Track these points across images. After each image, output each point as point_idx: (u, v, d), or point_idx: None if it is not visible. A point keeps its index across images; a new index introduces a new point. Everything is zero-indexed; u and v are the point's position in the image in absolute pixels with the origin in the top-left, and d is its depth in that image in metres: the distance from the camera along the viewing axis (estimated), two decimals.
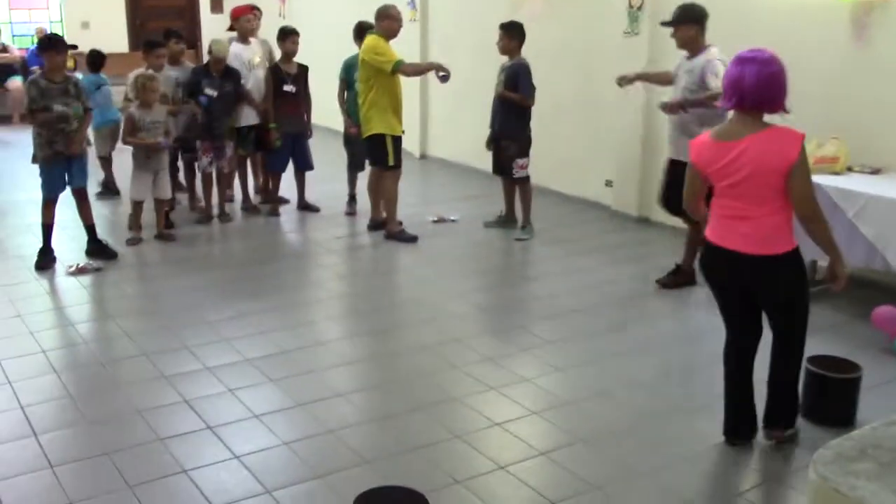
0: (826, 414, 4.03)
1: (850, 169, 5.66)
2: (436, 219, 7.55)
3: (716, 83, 5.26)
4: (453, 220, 7.63)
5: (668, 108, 5.73)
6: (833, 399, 4.07)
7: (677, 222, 7.34)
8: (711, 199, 3.65)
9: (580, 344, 5.02)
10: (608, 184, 8.02)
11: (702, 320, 5.38)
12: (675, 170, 5.42)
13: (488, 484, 3.55)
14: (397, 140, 6.88)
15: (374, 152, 6.95)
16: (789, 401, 3.80)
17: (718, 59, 5.45)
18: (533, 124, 8.84)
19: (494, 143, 7.20)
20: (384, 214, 7.22)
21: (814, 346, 5.05)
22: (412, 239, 6.95)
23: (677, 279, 5.94)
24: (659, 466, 3.69)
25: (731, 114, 3.58)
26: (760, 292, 3.61)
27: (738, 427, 3.83)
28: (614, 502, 3.43)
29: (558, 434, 3.98)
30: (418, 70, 7.33)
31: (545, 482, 3.58)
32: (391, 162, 6.88)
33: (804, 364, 3.91)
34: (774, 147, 3.35)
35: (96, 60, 8.17)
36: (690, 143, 3.67)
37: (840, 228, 5.25)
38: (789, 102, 3.46)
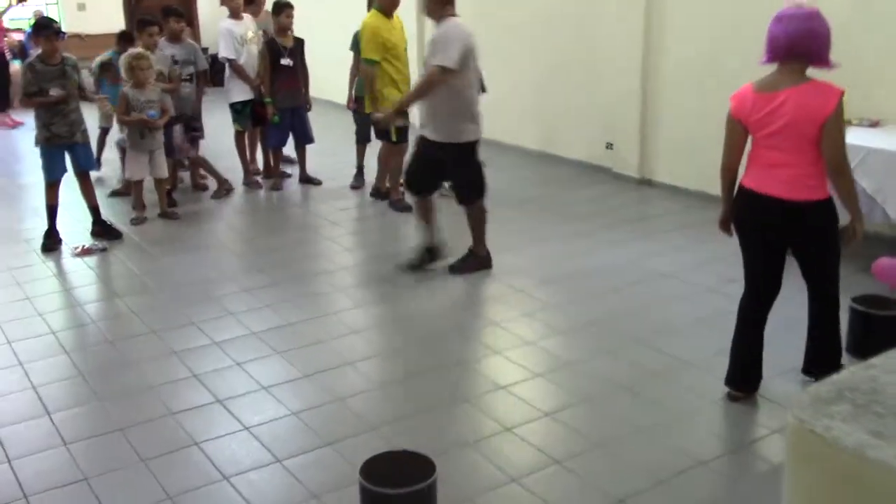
0: (872, 350, 4.11)
1: (848, 122, 5.63)
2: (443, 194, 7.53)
3: (434, 61, 5.17)
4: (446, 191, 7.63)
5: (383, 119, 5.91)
6: (878, 335, 4.14)
7: (679, 183, 7.37)
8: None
9: (581, 306, 5.06)
10: (608, 146, 8.02)
11: (701, 279, 5.41)
12: (424, 148, 5.48)
13: (494, 445, 3.61)
14: None
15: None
16: (831, 346, 3.88)
17: (452, 31, 5.18)
18: (531, 88, 8.85)
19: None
20: (388, 185, 7.26)
21: None
22: (408, 208, 6.96)
23: (467, 265, 5.65)
24: (661, 422, 3.75)
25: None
26: (796, 239, 3.70)
27: (743, 378, 3.89)
28: (617, 459, 3.49)
29: (562, 395, 4.03)
30: (371, 88, 6.76)
31: (550, 442, 3.64)
32: (394, 139, 6.89)
33: (848, 303, 4.08)
34: (812, 100, 3.46)
35: (128, 38, 8.05)
36: (732, 96, 3.71)
37: None
38: (834, 58, 3.53)
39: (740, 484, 3.32)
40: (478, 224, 5.68)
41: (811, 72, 3.57)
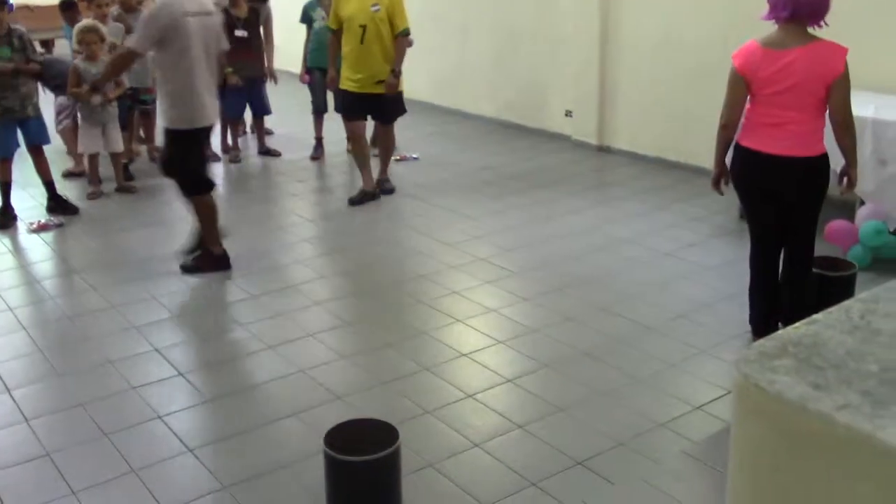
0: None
1: None
2: (398, 157, 7.54)
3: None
4: (415, 158, 7.64)
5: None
6: (832, 296, 4.23)
7: (637, 150, 7.43)
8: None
9: (543, 273, 5.11)
10: (568, 114, 8.05)
11: (660, 244, 5.49)
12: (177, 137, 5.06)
13: (457, 412, 3.65)
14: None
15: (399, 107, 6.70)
16: (807, 298, 4.00)
17: (155, 10, 4.90)
18: (490, 57, 8.84)
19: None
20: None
21: None
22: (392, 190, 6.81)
23: (200, 263, 5.22)
24: (621, 386, 3.82)
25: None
26: (791, 192, 3.80)
27: (768, 321, 4.01)
28: (578, 422, 3.55)
29: (523, 361, 4.08)
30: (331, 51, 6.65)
31: (512, 407, 3.70)
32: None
33: None
34: (823, 59, 3.58)
35: (72, 7, 7.83)
36: (736, 53, 3.77)
37: None
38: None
39: (697, 444, 3.40)
40: (204, 221, 5.20)
41: None
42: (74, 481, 3.22)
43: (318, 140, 7.79)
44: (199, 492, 3.16)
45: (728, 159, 4.04)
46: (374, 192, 6.58)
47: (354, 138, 6.73)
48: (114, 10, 7.21)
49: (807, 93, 3.62)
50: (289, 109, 8.85)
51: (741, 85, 3.76)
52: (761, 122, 3.75)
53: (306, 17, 7.58)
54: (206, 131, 5.16)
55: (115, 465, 3.32)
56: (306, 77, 7.68)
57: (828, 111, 3.67)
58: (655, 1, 7.05)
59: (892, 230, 4.95)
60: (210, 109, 5.07)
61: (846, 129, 3.69)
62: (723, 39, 6.53)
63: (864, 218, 5.04)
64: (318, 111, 7.72)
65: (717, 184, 4.07)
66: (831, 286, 4.26)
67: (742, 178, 3.93)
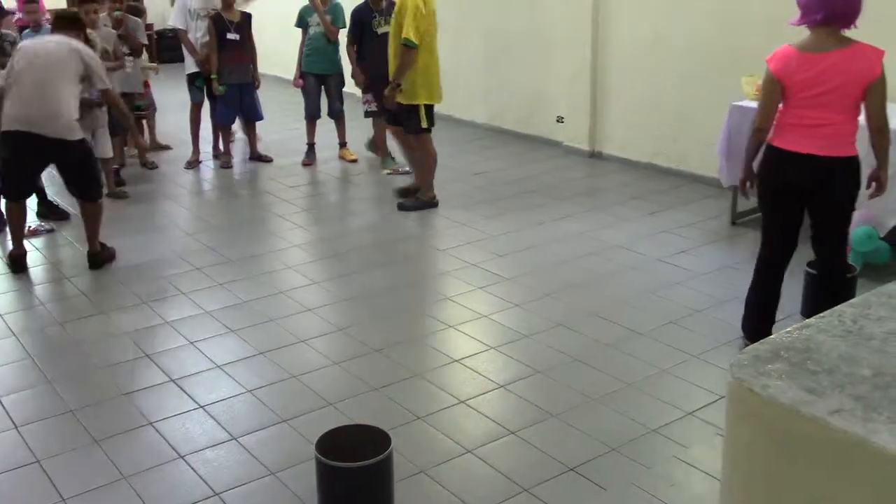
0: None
1: None
2: (390, 172, 7.50)
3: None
4: (408, 172, 7.63)
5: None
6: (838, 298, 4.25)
7: (629, 156, 7.46)
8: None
9: (535, 279, 5.11)
10: (559, 120, 8.06)
11: (651, 250, 5.50)
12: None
13: (449, 418, 3.65)
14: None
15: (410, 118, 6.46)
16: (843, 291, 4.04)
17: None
18: (482, 63, 8.86)
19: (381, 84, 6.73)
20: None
21: None
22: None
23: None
24: (612, 392, 3.82)
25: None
26: (824, 192, 3.83)
27: (760, 329, 4.02)
28: (570, 428, 3.55)
29: (515, 367, 4.08)
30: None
31: (505, 413, 3.69)
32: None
33: (804, 268, 4.33)
34: (861, 62, 3.64)
35: (136, 10, 7.77)
36: (772, 58, 3.81)
37: None
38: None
39: (689, 449, 3.40)
40: (10, 223, 5.47)
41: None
42: (65, 488, 3.20)
43: (310, 146, 7.78)
44: (190, 498, 3.15)
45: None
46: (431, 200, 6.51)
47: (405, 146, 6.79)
48: (116, 13, 7.21)
49: (844, 95, 3.67)
50: (282, 115, 8.84)
51: (777, 89, 3.78)
52: (796, 123, 3.78)
53: (302, 22, 7.57)
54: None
55: (106, 471, 3.30)
56: (299, 81, 7.68)
57: (863, 113, 3.74)
58: (647, 8, 7.08)
59: (881, 236, 4.97)
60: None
61: (881, 131, 3.75)
62: (714, 47, 6.56)
63: (855, 223, 5.06)
64: (312, 116, 7.72)
65: (744, 186, 4.12)
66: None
67: (772, 178, 3.95)
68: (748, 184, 4.10)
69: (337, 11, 7.52)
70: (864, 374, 1.14)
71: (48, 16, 7.13)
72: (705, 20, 6.64)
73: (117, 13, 7.24)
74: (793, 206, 3.95)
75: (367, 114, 7.43)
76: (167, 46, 11.15)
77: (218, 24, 7.36)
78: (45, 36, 5.67)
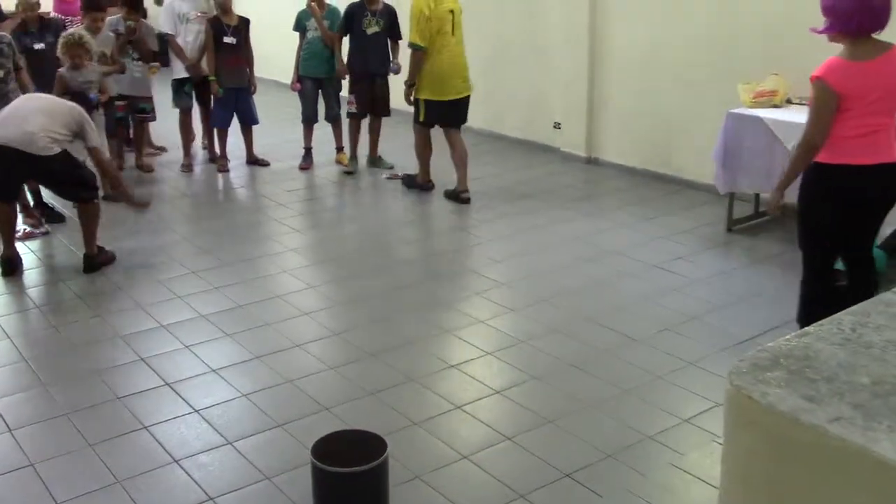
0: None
1: (789, 101, 5.78)
2: (389, 177, 7.50)
3: None
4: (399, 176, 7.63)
5: None
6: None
7: (625, 162, 7.46)
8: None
9: (531, 284, 5.11)
10: (556, 126, 8.07)
11: (647, 256, 5.50)
12: None
13: (445, 423, 3.64)
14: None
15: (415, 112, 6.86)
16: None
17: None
18: (479, 68, 8.88)
19: (372, 81, 7.30)
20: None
21: (760, 274, 5.22)
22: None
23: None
24: (608, 398, 3.82)
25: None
26: (880, 200, 3.88)
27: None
28: (566, 434, 3.55)
29: (512, 372, 4.08)
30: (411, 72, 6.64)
31: (500, 419, 3.69)
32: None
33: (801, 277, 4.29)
34: None
35: (135, 3, 7.52)
36: (823, 73, 3.74)
37: (780, 159, 5.39)
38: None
39: (686, 456, 3.40)
40: (0, 225, 5.38)
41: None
42: (59, 492, 3.19)
43: (307, 150, 7.79)
44: (184, 503, 3.14)
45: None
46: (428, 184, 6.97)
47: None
48: (129, 22, 7.22)
49: (891, 98, 3.73)
50: (279, 119, 8.84)
51: (833, 102, 3.72)
52: (851, 135, 3.74)
53: (300, 26, 7.59)
54: None
55: (101, 475, 3.29)
56: (297, 85, 7.69)
57: None
58: (644, 14, 7.09)
59: (878, 244, 4.98)
60: None
61: None
62: (711, 54, 6.58)
63: None
64: (308, 120, 7.72)
65: (779, 205, 4.04)
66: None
67: (826, 198, 3.86)
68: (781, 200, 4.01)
69: (334, 17, 7.54)
70: (864, 383, 1.14)
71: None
72: (702, 27, 6.65)
73: (130, 22, 7.23)
74: (848, 217, 3.90)
75: (349, 114, 7.54)
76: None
77: (216, 27, 7.37)
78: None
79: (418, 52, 6.43)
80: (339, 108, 7.74)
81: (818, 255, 4.04)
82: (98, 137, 5.67)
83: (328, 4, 7.54)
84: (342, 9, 7.51)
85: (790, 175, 3.94)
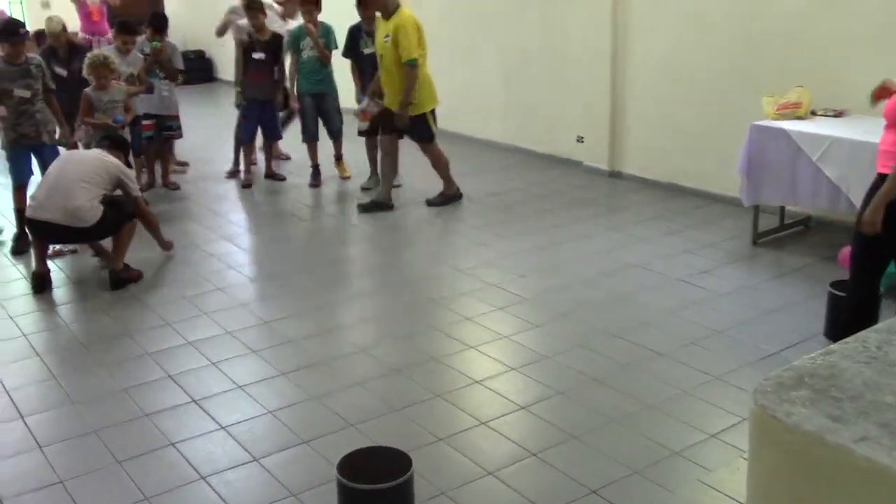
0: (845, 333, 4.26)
1: (813, 113, 5.75)
2: (398, 185, 7.53)
3: None
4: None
5: None
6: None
7: (648, 175, 7.44)
8: None
9: (554, 299, 5.10)
10: (579, 139, 8.07)
11: (671, 270, 5.48)
12: None
13: (470, 439, 3.64)
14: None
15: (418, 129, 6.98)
16: None
17: None
18: (499, 81, 8.90)
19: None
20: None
21: (786, 287, 5.18)
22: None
23: None
24: (633, 413, 3.80)
25: None
26: None
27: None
28: (592, 450, 3.53)
29: (536, 388, 4.07)
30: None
31: (525, 435, 3.68)
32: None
33: (828, 288, 4.37)
34: None
35: (160, 24, 7.60)
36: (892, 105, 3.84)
37: (805, 171, 5.36)
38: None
39: (713, 472, 3.38)
40: (33, 242, 5.67)
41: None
42: None
43: (316, 167, 7.84)
44: None
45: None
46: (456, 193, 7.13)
47: (384, 152, 7.09)
48: (155, 43, 7.34)
49: None
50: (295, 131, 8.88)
51: None
52: None
53: (294, 45, 7.66)
54: None
55: (129, 492, 3.32)
56: (296, 105, 7.81)
57: None
58: (665, 26, 7.08)
59: None
60: None
61: None
62: (734, 66, 6.56)
63: None
64: (311, 138, 7.79)
65: (879, 222, 3.85)
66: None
67: None
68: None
69: (329, 34, 7.62)
70: (889, 402, 1.13)
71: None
72: (725, 39, 6.63)
73: (156, 43, 7.33)
74: None
75: (359, 133, 7.64)
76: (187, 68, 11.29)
77: (248, 42, 7.54)
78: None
79: (415, 68, 6.60)
80: (342, 122, 7.86)
81: (868, 279, 4.01)
82: (137, 186, 5.89)
83: (321, 22, 7.63)
84: (334, 26, 7.63)
85: (887, 192, 3.79)
